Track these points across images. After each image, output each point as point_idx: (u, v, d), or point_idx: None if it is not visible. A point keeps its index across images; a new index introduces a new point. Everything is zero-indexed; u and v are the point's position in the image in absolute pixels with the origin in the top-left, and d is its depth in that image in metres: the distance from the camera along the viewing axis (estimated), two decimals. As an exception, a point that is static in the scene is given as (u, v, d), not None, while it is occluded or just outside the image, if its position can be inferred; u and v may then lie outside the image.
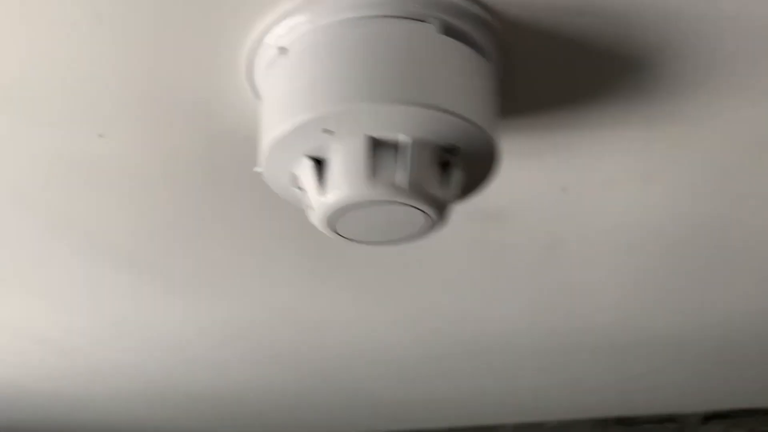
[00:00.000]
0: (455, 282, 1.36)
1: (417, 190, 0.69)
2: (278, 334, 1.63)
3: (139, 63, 0.78)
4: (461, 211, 1.09)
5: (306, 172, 0.71)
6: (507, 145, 0.92)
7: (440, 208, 0.72)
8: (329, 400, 2.22)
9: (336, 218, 0.72)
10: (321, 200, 0.71)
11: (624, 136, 0.92)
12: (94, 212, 1.08)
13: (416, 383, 2.16)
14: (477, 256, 1.24)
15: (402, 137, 0.67)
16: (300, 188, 0.73)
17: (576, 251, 1.22)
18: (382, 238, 0.77)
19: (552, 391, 2.32)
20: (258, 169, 0.74)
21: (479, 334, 1.66)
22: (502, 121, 0.88)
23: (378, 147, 0.68)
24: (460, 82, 0.69)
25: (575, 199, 1.06)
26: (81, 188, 1.01)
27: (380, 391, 2.19)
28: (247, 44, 0.74)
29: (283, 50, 0.72)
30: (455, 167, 0.71)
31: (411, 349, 1.80)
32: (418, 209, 0.71)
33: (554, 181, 1.02)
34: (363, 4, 0.68)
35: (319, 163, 0.71)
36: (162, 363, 1.77)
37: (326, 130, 0.67)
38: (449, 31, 0.69)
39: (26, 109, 0.84)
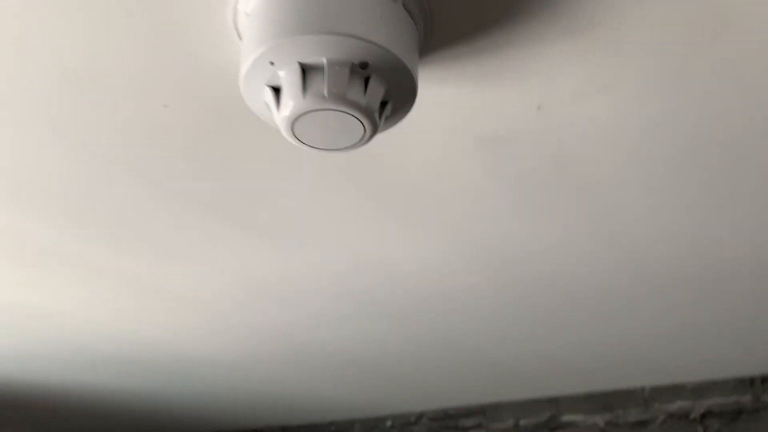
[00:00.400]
0: (514, 215, 1.53)
1: (339, 97, 0.92)
2: (379, 285, 1.88)
3: (171, 45, 1.08)
4: (460, 144, 1.29)
5: (269, 98, 0.97)
6: (458, 71, 1.11)
7: (366, 112, 0.95)
8: (440, 363, 2.41)
9: (292, 129, 0.97)
10: (279, 117, 0.96)
11: (562, 50, 1.07)
12: (190, 175, 1.41)
13: (537, 343, 2.29)
14: (504, 187, 1.41)
15: (323, 60, 0.92)
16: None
17: (588, 168, 1.36)
18: (334, 145, 1.01)
19: (686, 348, 2.33)
20: None
21: (558, 271, 1.79)
22: (449, 50, 1.08)
23: (310, 70, 0.93)
24: (363, 13, 0.92)
25: (554, 116, 1.21)
26: (176, 154, 1.35)
27: (495, 354, 2.35)
28: (230, 15, 1.02)
29: (248, 14, 0.99)
30: (372, 79, 0.94)
31: (508, 301, 1.96)
32: (349, 114, 0.94)
33: (526, 101, 1.19)
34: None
35: (278, 91, 0.97)
36: (281, 320, 2.09)
37: (271, 63, 0.93)
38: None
39: (108, 90, 1.18)
